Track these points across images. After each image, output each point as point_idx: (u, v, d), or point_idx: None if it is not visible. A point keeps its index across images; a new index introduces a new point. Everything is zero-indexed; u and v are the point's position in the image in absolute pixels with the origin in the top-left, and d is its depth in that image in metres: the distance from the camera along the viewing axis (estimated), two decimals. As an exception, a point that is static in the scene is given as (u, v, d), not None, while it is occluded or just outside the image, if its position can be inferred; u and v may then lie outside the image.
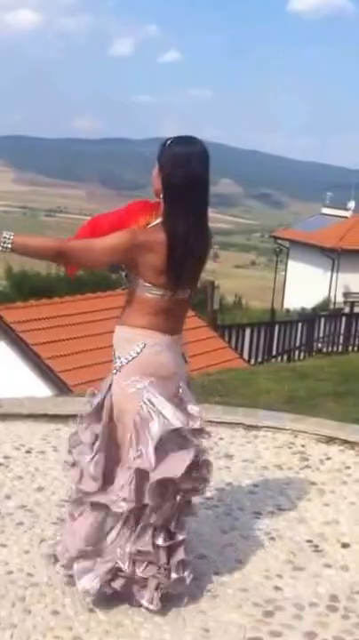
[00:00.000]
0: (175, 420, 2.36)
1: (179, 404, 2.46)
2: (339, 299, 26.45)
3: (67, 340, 10.04)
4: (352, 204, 32.22)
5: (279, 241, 31.89)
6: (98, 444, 2.44)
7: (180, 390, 2.47)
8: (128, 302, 2.44)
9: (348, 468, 3.95)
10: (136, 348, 2.38)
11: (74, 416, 4.31)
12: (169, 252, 2.28)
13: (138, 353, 2.38)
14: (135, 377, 2.38)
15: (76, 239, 2.42)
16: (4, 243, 2.26)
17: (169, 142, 2.30)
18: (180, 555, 2.45)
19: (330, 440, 4.32)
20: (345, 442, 4.28)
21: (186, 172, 2.27)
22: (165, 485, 2.38)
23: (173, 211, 2.28)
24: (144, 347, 2.38)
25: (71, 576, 2.52)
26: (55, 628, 2.37)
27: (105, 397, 2.47)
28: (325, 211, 33.12)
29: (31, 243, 2.32)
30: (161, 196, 2.32)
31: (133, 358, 2.39)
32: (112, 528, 2.45)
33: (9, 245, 2.25)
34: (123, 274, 2.42)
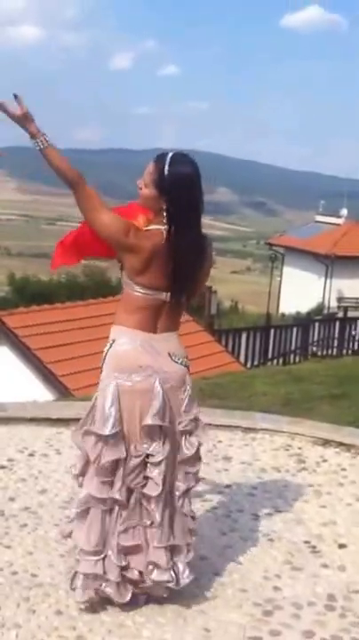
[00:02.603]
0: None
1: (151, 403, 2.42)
2: (333, 304, 26.65)
3: (69, 345, 10.11)
4: (344, 212, 32.57)
5: (274, 248, 32.16)
6: None
7: (157, 388, 2.42)
8: (120, 302, 2.52)
9: (344, 470, 4.00)
10: (108, 345, 2.48)
11: (76, 420, 4.37)
12: (175, 270, 2.38)
13: (108, 350, 2.47)
14: (106, 374, 2.45)
15: (79, 230, 2.59)
16: (42, 144, 2.36)
17: (166, 167, 2.34)
18: (153, 557, 2.47)
19: (326, 442, 4.36)
20: (341, 444, 4.33)
21: (189, 196, 2.37)
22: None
23: (179, 229, 2.37)
24: (113, 342, 2.46)
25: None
26: (59, 628, 2.40)
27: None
28: (319, 218, 33.43)
29: (58, 158, 2.39)
30: (163, 214, 2.38)
31: (105, 356, 2.47)
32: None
33: (45, 146, 2.36)
34: (119, 266, 2.50)
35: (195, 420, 2.55)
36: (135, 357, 2.42)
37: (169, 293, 2.43)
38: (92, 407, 2.52)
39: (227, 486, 3.67)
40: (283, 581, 2.80)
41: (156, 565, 2.48)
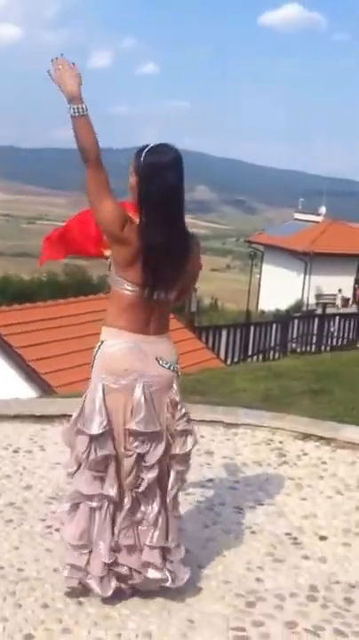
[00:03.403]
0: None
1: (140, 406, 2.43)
2: (312, 300, 26.92)
3: (51, 343, 10.13)
4: (323, 210, 32.97)
5: (254, 245, 32.39)
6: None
7: (139, 394, 2.42)
8: (109, 302, 2.51)
9: (324, 463, 4.07)
10: (97, 346, 2.47)
11: (59, 416, 4.41)
12: (144, 261, 2.34)
13: (97, 351, 2.46)
14: (95, 374, 2.46)
15: (66, 227, 2.67)
16: (79, 111, 2.31)
17: (144, 153, 2.33)
18: (148, 557, 2.50)
19: (306, 437, 4.42)
20: (320, 438, 4.39)
21: (162, 184, 2.32)
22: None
23: (149, 221, 2.33)
24: (101, 344, 2.45)
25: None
26: (46, 621, 2.43)
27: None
28: (298, 216, 33.78)
29: (86, 131, 2.32)
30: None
31: (95, 357, 2.47)
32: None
33: (81, 114, 2.31)
34: (108, 263, 2.49)
35: (188, 420, 2.57)
36: (122, 360, 2.41)
37: (156, 291, 2.39)
38: (82, 407, 2.52)
39: (210, 480, 3.71)
40: (265, 573, 2.84)
41: (151, 565, 2.51)
